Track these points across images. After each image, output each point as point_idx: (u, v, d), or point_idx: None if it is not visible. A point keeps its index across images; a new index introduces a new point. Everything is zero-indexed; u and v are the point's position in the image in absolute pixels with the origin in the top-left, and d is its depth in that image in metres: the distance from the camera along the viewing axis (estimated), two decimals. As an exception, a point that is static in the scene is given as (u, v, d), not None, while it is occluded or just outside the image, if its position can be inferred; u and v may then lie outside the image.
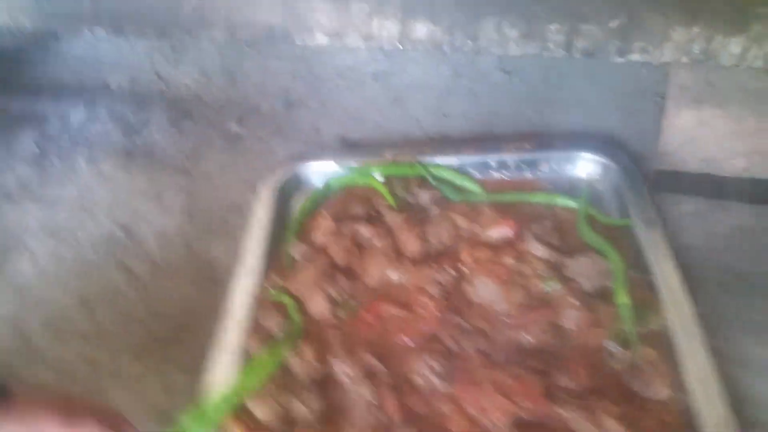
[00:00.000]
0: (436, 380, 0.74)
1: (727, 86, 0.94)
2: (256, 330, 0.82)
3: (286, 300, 0.84)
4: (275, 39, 0.93)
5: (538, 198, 0.97)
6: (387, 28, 0.90)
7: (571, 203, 0.94)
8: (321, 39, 0.91)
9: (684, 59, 0.94)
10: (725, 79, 0.94)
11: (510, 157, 1.01)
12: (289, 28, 0.91)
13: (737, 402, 0.73)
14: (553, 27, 0.87)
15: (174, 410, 0.79)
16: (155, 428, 0.78)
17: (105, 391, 0.83)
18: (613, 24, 0.86)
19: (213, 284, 0.93)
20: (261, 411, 0.73)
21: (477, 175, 1.02)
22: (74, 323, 0.91)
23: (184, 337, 0.87)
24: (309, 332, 0.82)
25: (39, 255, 1.00)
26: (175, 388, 0.82)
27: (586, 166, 1.00)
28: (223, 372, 0.78)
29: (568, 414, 0.69)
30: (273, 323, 0.83)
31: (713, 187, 0.98)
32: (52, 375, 0.85)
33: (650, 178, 0.99)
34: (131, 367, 0.85)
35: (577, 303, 0.79)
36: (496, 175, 1.02)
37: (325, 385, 0.77)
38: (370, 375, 0.75)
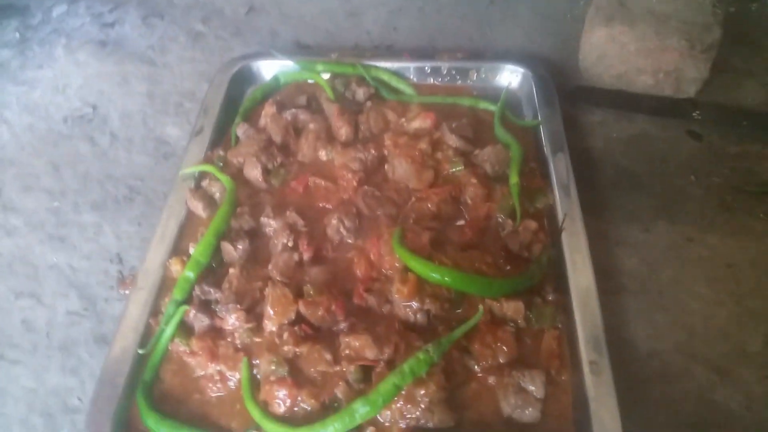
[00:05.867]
0: (345, 233, 0.87)
1: (637, 7, 1.04)
2: (201, 195, 0.93)
3: (210, 168, 0.94)
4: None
5: (463, 101, 1.07)
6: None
7: (491, 107, 1.05)
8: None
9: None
10: (636, 1, 1.05)
11: (443, 65, 1.11)
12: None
13: (610, 273, 0.87)
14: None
15: (123, 253, 0.92)
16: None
17: (66, 237, 0.95)
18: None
19: (164, 157, 1.05)
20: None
21: (413, 79, 1.12)
22: (41, 180, 1.02)
23: (134, 197, 0.99)
24: (246, 194, 0.93)
25: (15, 125, 1.11)
26: (125, 236, 0.95)
27: (509, 76, 1.10)
28: (170, 228, 0.89)
29: (447, 259, 0.81)
30: (215, 188, 0.94)
31: (623, 100, 1.09)
32: (20, 222, 0.97)
33: (570, 92, 1.10)
34: (89, 216, 0.97)
35: (476, 181, 0.90)
36: (430, 80, 1.12)
37: (254, 234, 0.89)
38: (290, 227, 0.87)
